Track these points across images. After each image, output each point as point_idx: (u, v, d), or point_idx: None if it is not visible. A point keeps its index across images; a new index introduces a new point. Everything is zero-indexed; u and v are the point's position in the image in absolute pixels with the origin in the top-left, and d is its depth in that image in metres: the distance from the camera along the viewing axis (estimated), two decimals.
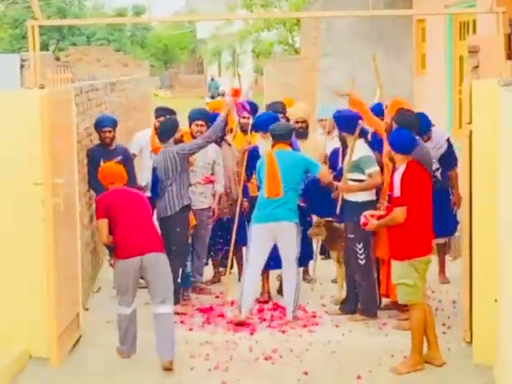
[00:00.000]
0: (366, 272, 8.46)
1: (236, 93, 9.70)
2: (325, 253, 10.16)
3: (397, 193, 7.20)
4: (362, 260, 8.39)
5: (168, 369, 7.22)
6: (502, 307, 6.30)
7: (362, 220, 7.68)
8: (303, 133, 9.65)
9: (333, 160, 9.25)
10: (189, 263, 9.39)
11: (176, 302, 8.38)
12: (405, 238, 7.19)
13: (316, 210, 9.37)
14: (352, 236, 8.42)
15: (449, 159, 9.24)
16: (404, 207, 7.14)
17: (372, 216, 7.64)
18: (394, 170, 7.52)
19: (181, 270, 8.98)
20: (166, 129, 8.94)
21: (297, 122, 9.60)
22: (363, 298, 8.55)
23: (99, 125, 9.62)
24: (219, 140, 9.48)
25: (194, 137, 9.30)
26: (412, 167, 7.26)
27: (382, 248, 8.26)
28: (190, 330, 8.43)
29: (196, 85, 53.81)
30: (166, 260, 7.62)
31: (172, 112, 9.84)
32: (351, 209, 8.36)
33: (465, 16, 12.57)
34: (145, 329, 7.72)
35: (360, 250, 8.38)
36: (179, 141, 8.91)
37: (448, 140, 9.30)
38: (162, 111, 10.00)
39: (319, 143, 9.88)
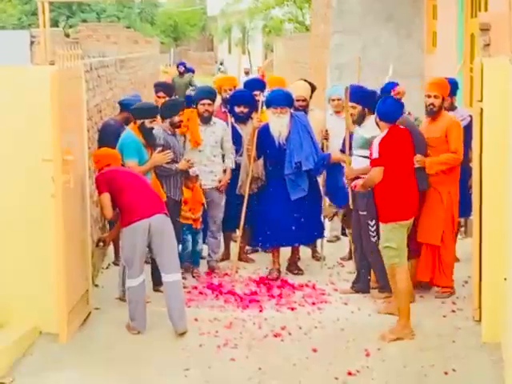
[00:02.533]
0: (378, 249, 8.39)
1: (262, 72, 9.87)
2: (345, 233, 10.09)
3: (375, 154, 7.48)
4: (373, 237, 8.33)
5: (183, 333, 7.55)
6: (510, 286, 6.30)
7: (353, 184, 8.08)
8: (303, 110, 9.66)
9: None
10: (200, 241, 9.45)
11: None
12: (388, 202, 7.45)
13: (333, 199, 9.52)
14: (364, 213, 8.39)
15: (470, 134, 9.15)
16: (381, 167, 7.42)
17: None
18: None
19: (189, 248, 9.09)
20: (167, 108, 8.92)
21: (297, 100, 9.60)
22: (380, 274, 8.41)
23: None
24: (245, 118, 9.49)
25: (200, 115, 9.29)
26: (393, 131, 7.56)
27: (424, 233, 8.31)
28: (199, 307, 8.46)
29: (206, 62, 53.70)
30: (171, 224, 7.76)
31: (170, 87, 9.88)
32: None
33: None
34: (153, 305, 7.74)
35: (372, 227, 8.33)
36: (177, 125, 8.86)
37: (471, 117, 9.22)
38: (160, 86, 10.10)
39: (319, 119, 9.86)
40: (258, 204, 9.42)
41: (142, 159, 8.39)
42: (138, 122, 8.45)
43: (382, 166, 7.43)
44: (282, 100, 9.10)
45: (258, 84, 10.31)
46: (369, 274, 8.66)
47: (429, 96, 8.28)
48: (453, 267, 8.48)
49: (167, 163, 8.69)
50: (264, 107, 9.56)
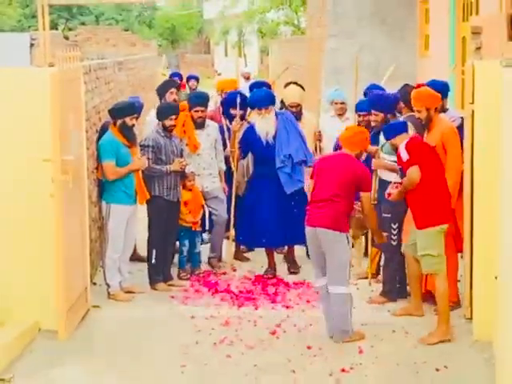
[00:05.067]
0: (395, 252, 8.19)
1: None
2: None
3: (405, 157, 7.30)
4: (394, 241, 8.16)
5: None
6: (501, 284, 6.32)
7: (387, 192, 7.76)
8: (297, 116, 9.64)
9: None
10: (198, 244, 9.43)
11: (169, 278, 8.98)
12: (426, 205, 7.26)
13: None
14: (388, 215, 8.22)
15: (461, 135, 9.10)
16: (416, 166, 7.23)
17: (396, 187, 7.69)
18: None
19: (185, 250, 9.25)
20: (161, 111, 8.95)
21: (291, 107, 9.63)
22: (389, 279, 8.36)
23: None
24: (240, 119, 9.50)
25: (194, 121, 9.30)
26: (414, 138, 7.46)
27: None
28: (196, 305, 8.47)
29: (203, 64, 53.65)
30: None
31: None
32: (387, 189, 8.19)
33: None
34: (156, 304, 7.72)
35: (395, 230, 8.18)
36: (168, 129, 8.82)
37: (462, 119, 9.19)
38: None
39: (311, 122, 9.86)
40: (244, 203, 9.42)
41: (122, 159, 8.44)
42: (119, 121, 8.49)
43: (416, 165, 7.25)
44: (265, 100, 9.10)
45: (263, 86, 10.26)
46: (395, 279, 8.39)
47: (416, 111, 8.06)
48: (456, 282, 8.14)
49: (157, 164, 8.72)
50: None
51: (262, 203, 9.18)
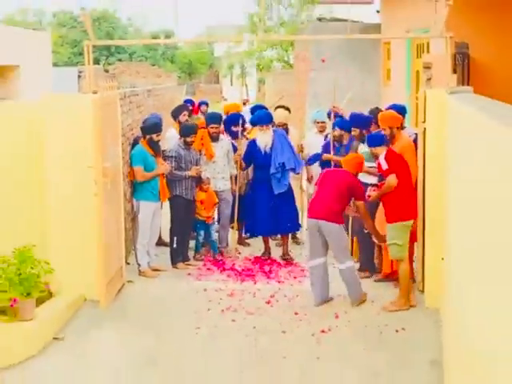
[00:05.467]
0: (367, 238, 8.03)
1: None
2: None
3: (384, 166, 7.22)
4: (366, 230, 7.91)
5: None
6: (446, 264, 6.30)
7: (367, 194, 7.59)
8: (285, 132, 9.57)
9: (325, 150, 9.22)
10: (213, 232, 9.34)
11: (187, 259, 8.90)
12: (396, 204, 7.17)
13: None
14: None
15: (417, 146, 8.99)
16: (393, 174, 7.16)
17: (373, 190, 7.60)
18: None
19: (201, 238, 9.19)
20: (184, 130, 8.93)
21: (279, 125, 9.61)
22: (363, 258, 8.32)
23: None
24: (240, 134, 9.42)
25: (210, 136, 9.25)
26: (391, 151, 7.39)
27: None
28: (208, 280, 8.45)
29: (213, 92, 53.53)
30: None
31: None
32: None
33: (421, 39, 12.51)
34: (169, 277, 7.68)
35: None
36: (188, 143, 8.82)
37: (416, 134, 9.11)
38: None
39: (294, 136, 9.85)
40: (248, 202, 9.37)
41: (149, 165, 8.44)
42: (148, 136, 8.48)
43: (394, 173, 7.18)
44: (265, 119, 9.12)
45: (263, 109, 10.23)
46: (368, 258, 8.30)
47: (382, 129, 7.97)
48: (412, 262, 7.77)
49: (178, 170, 8.71)
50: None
51: (260, 201, 9.15)
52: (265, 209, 9.10)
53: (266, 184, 9.10)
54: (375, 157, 7.49)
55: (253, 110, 10.25)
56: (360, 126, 8.53)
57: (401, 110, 8.34)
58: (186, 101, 11.41)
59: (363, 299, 7.45)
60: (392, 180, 7.20)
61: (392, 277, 7.96)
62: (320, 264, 7.45)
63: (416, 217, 7.40)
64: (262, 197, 9.14)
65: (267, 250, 9.37)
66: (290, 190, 9.22)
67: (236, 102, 11.69)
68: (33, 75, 17.46)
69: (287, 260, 9.14)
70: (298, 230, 9.63)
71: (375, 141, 7.53)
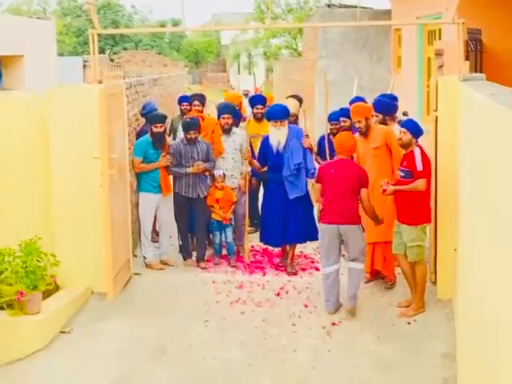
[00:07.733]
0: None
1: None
2: None
3: (419, 167, 6.91)
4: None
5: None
6: (459, 255, 6.29)
7: (381, 188, 7.16)
8: (295, 122, 9.47)
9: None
10: (229, 234, 8.89)
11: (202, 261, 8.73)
12: (418, 207, 6.98)
13: None
14: None
15: None
16: (425, 179, 6.91)
17: (387, 183, 7.16)
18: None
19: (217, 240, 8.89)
20: (184, 125, 8.65)
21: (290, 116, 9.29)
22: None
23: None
24: (235, 126, 9.22)
25: (222, 127, 9.00)
26: (424, 153, 7.04)
27: (376, 234, 7.72)
28: (216, 272, 8.47)
29: (220, 80, 53.54)
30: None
31: (202, 96, 9.83)
32: None
33: (432, 26, 12.44)
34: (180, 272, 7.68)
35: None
36: (189, 139, 8.59)
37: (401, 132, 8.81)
38: (196, 96, 10.10)
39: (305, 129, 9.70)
40: (261, 207, 8.79)
41: (148, 157, 8.45)
42: (150, 127, 8.50)
43: (425, 178, 6.93)
44: (280, 114, 8.34)
45: (261, 99, 10.21)
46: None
47: (356, 122, 7.88)
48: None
49: (178, 167, 8.55)
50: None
51: (272, 209, 8.45)
52: (278, 218, 8.39)
53: (278, 188, 8.37)
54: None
55: (252, 99, 10.20)
56: (383, 111, 8.19)
57: (393, 99, 8.29)
58: (181, 98, 10.38)
59: (355, 310, 7.09)
60: (422, 185, 6.92)
61: (377, 276, 7.93)
62: (335, 270, 7.17)
63: (431, 220, 7.28)
64: (274, 203, 8.44)
65: (284, 255, 8.74)
66: (307, 195, 8.47)
67: (237, 93, 11.65)
68: (37, 65, 17.48)
69: (291, 273, 8.39)
70: (315, 239, 8.32)
71: (417, 125, 7.15)
